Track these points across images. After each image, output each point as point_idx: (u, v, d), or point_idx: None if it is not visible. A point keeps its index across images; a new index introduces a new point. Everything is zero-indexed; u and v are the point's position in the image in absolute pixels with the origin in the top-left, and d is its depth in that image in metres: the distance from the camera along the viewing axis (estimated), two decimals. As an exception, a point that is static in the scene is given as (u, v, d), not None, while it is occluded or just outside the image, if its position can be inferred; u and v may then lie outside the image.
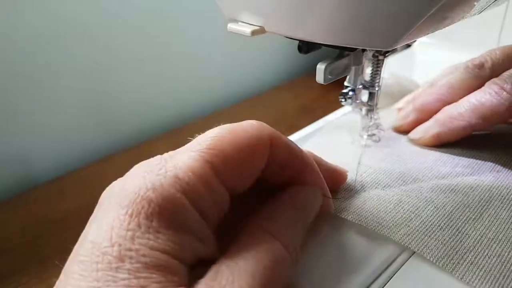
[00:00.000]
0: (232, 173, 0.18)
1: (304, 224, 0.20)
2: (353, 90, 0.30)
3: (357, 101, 0.31)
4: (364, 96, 0.31)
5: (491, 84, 0.29)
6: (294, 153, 0.21)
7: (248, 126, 0.19)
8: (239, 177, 0.19)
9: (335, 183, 0.26)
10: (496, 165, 0.29)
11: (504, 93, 0.28)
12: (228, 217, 0.19)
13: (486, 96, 0.28)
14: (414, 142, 0.32)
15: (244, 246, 0.17)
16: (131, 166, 0.19)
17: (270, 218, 0.19)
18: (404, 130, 0.33)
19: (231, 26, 0.24)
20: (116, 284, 0.14)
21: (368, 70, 0.30)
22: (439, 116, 0.31)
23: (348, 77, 0.30)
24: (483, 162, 0.29)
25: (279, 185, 0.21)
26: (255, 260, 0.16)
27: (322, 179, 0.22)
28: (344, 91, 0.31)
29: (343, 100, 0.31)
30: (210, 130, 0.19)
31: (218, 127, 0.19)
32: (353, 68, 0.29)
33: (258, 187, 0.20)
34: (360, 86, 0.30)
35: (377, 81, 0.30)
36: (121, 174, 0.19)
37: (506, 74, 0.29)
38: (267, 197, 0.21)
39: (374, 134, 0.32)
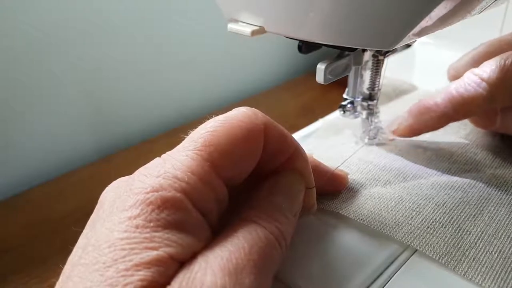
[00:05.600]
0: (229, 167, 0.18)
1: (290, 210, 0.20)
2: (351, 102, 0.30)
3: (356, 113, 0.31)
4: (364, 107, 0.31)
5: (470, 74, 0.28)
6: (286, 139, 0.20)
7: (241, 116, 0.19)
8: (236, 170, 0.19)
9: (336, 186, 0.26)
10: (493, 162, 0.29)
11: (483, 83, 0.27)
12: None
13: (464, 86, 0.28)
14: (392, 134, 0.32)
15: (224, 234, 0.17)
16: (131, 166, 0.19)
17: (252, 206, 0.19)
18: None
19: (231, 26, 0.24)
20: (104, 284, 0.14)
21: (367, 82, 0.30)
22: (413, 107, 0.30)
23: (347, 90, 0.30)
24: (480, 158, 0.29)
25: (268, 172, 0.21)
26: (233, 245, 0.16)
27: (309, 167, 0.22)
28: (343, 103, 0.30)
29: (342, 112, 0.30)
30: (204, 125, 0.19)
31: (211, 120, 0.19)
32: (351, 80, 0.29)
33: (250, 177, 0.20)
34: (359, 99, 0.30)
35: (377, 82, 0.30)
36: (121, 174, 0.19)
37: (486, 64, 0.28)
38: (254, 186, 0.20)
39: (375, 138, 0.32)
